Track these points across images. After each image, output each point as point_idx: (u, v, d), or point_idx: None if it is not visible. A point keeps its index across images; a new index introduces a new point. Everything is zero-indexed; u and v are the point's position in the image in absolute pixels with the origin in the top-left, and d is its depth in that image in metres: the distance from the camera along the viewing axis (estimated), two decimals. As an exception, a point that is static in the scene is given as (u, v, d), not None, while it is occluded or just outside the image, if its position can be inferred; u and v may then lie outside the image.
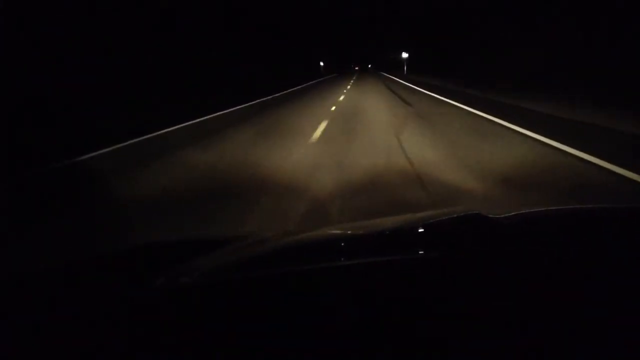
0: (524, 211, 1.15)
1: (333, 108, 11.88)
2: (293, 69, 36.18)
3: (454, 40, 25.73)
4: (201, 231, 2.99)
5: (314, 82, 34.42)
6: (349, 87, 23.88)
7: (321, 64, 63.55)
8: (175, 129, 9.21)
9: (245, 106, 13.84)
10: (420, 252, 0.87)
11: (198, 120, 10.51)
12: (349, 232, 1.22)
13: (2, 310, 0.80)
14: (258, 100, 15.93)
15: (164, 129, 8.89)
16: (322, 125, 8.27)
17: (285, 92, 21.07)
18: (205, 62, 19.29)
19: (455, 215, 1.10)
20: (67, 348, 0.62)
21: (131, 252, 1.22)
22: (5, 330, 0.70)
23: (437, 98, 14.14)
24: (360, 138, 6.82)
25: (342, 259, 0.89)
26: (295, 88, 24.65)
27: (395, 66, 57.78)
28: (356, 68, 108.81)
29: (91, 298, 0.79)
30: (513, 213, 1.09)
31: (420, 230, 1.05)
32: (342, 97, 16.14)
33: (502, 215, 1.06)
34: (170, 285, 0.82)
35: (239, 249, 1.10)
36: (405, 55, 45.80)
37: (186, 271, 0.90)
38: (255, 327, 0.62)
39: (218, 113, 11.77)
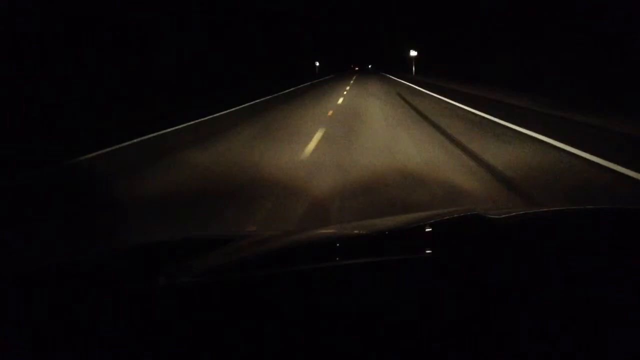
0: (523, 211, 1.15)
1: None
2: (284, 69, 33.12)
3: (474, 35, 22.25)
4: (201, 231, 2.99)
5: (302, 86, 26.40)
6: (340, 100, 14.26)
7: (317, 64, 59.35)
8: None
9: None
10: (419, 252, 0.87)
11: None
12: (348, 232, 1.22)
13: (2, 310, 0.80)
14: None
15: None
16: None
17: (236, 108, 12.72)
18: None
19: (455, 216, 1.10)
20: (67, 348, 0.62)
21: (131, 251, 1.22)
22: (4, 330, 0.70)
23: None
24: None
25: (341, 259, 0.89)
26: (261, 100, 15.86)
27: (396, 67, 54.19)
28: (356, 69, 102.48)
29: (91, 297, 0.79)
30: (512, 213, 1.10)
31: (420, 230, 1.05)
32: (310, 146, 6.16)
33: (502, 216, 1.06)
34: (170, 285, 0.82)
35: (239, 248, 1.10)
36: (413, 53, 38.49)
37: (186, 270, 0.91)
38: (255, 327, 0.62)
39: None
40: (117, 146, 6.98)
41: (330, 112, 10.67)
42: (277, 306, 0.67)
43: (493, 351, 0.55)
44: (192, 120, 9.88)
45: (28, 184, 4.90)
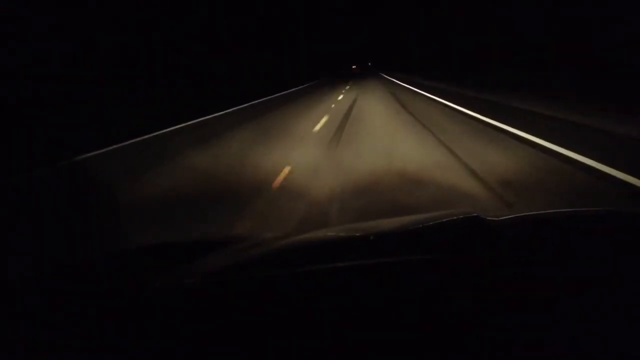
0: (522, 214, 1.15)
1: None
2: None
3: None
4: (202, 232, 2.99)
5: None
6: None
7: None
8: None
9: None
10: (419, 254, 0.87)
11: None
12: (348, 234, 1.22)
13: (4, 311, 0.80)
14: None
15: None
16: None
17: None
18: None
19: (454, 218, 1.10)
20: (69, 348, 0.63)
21: (133, 253, 1.22)
22: (6, 331, 0.71)
23: None
24: None
25: (341, 261, 0.90)
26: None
27: (400, 66, 44.69)
28: (353, 67, 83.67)
29: (92, 299, 0.80)
30: (512, 215, 1.10)
31: (420, 232, 1.05)
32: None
33: (501, 218, 1.06)
34: (171, 286, 0.83)
35: (239, 250, 1.10)
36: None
37: (187, 272, 0.91)
38: (255, 328, 0.63)
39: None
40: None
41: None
42: (276, 308, 0.68)
43: (492, 352, 0.55)
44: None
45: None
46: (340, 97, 17.04)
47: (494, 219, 1.03)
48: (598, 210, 1.22)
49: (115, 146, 7.97)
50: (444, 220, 1.09)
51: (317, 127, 8.64)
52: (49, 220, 3.69)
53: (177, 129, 10.24)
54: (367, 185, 4.16)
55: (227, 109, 14.29)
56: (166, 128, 10.07)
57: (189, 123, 11.07)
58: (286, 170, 4.90)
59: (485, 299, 0.67)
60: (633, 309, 0.63)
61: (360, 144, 6.59)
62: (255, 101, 17.77)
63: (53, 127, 8.93)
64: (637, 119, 6.38)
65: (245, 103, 16.44)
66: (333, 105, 13.41)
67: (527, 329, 0.59)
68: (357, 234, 1.18)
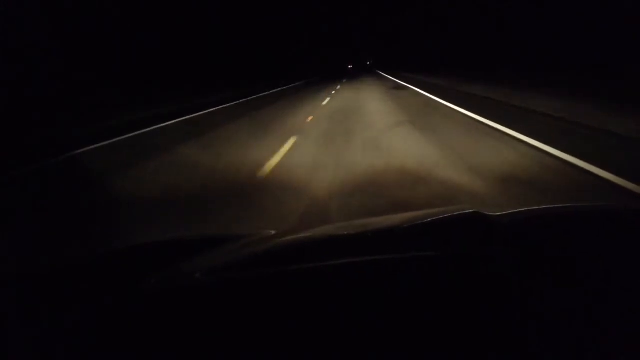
0: (522, 209, 1.15)
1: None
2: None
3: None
4: (201, 230, 3.01)
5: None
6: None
7: None
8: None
9: None
10: (419, 251, 0.86)
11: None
12: (346, 231, 1.22)
13: (1, 310, 0.80)
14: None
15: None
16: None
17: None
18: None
19: (453, 214, 1.10)
20: (64, 348, 0.63)
21: (130, 251, 1.22)
22: (4, 330, 0.70)
23: None
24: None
25: (341, 258, 0.89)
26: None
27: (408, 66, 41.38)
28: (349, 67, 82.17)
29: (89, 297, 0.79)
30: (511, 211, 1.09)
31: (419, 228, 1.04)
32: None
33: (501, 213, 1.06)
34: (169, 285, 0.82)
35: (236, 248, 1.10)
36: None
37: (185, 270, 0.91)
38: (255, 326, 0.62)
39: None
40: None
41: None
42: (277, 306, 0.68)
43: (495, 349, 0.55)
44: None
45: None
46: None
47: (493, 214, 1.03)
48: (600, 206, 1.22)
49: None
50: (443, 216, 1.09)
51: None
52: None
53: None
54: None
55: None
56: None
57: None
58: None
59: (486, 295, 0.67)
60: (635, 305, 0.63)
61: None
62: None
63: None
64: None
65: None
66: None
67: (529, 326, 0.59)
68: (355, 232, 1.18)
